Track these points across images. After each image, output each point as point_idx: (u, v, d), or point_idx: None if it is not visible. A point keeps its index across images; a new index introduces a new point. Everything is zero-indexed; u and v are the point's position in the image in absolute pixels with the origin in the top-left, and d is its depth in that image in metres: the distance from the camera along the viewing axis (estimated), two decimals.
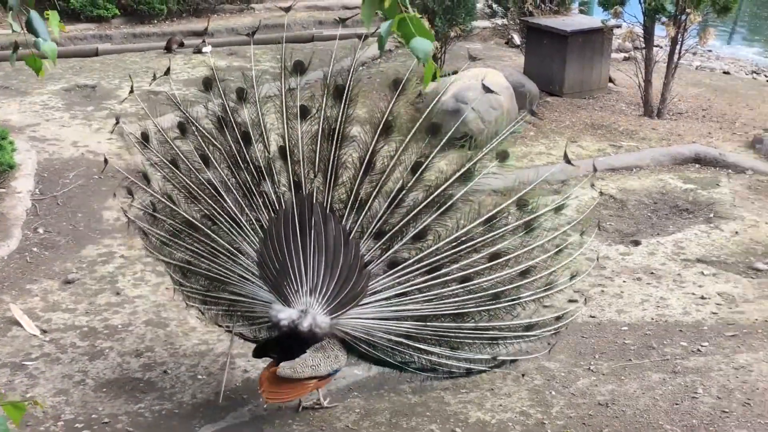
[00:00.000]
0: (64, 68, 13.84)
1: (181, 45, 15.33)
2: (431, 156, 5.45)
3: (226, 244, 5.81)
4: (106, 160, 6.83)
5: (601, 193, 6.07)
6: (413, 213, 5.48)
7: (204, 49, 15.07)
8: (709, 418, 6.02)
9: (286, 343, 5.63)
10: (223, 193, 5.81)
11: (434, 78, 2.96)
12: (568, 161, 5.98)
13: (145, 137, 6.18)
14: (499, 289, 5.69)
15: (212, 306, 6.23)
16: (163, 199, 6.06)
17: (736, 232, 8.86)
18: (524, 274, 5.76)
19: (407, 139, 5.46)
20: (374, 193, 5.49)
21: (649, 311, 7.40)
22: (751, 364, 6.64)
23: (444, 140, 5.45)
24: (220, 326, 6.59)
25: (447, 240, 5.53)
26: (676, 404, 6.17)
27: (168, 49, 15.16)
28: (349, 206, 5.51)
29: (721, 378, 6.47)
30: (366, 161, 5.46)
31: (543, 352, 6.43)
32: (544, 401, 6.17)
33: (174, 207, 6.03)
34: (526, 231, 5.69)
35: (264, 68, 12.61)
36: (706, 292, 7.72)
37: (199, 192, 5.88)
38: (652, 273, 8.02)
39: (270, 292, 5.64)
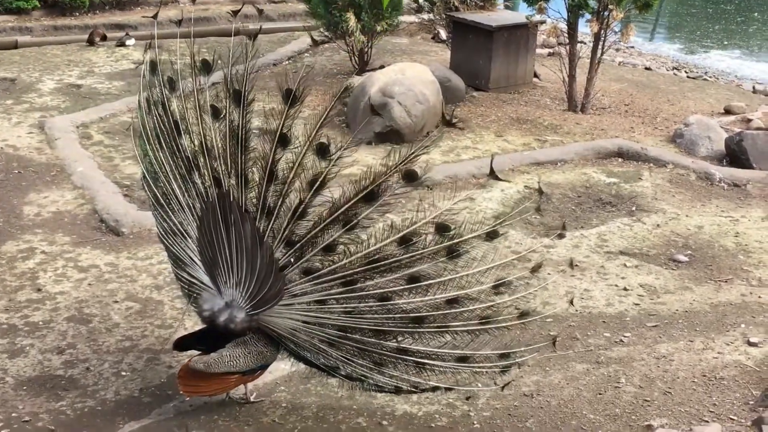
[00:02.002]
0: None
1: (104, 38, 15.10)
2: (324, 174, 5.22)
3: (178, 224, 5.84)
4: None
5: (538, 209, 5.75)
6: (319, 227, 5.32)
7: (128, 42, 14.87)
8: (631, 407, 6.12)
9: (209, 335, 5.62)
10: (170, 175, 5.81)
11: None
12: (495, 177, 5.55)
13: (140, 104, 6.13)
14: (421, 314, 5.42)
15: (181, 283, 6.15)
16: (146, 170, 6.10)
17: (658, 225, 9.02)
18: (451, 302, 5.41)
19: (300, 156, 5.26)
20: (279, 203, 5.38)
21: (573, 303, 7.48)
22: (672, 354, 6.77)
23: (334, 160, 5.19)
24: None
25: (358, 255, 5.34)
26: (600, 394, 6.26)
27: (91, 42, 14.91)
28: (259, 210, 5.42)
29: (643, 368, 6.58)
30: (268, 170, 5.33)
31: (491, 387, 6.07)
32: (470, 393, 6.20)
33: (147, 180, 6.07)
34: (449, 257, 5.28)
35: (189, 62, 12.36)
36: (629, 284, 7.84)
37: (159, 170, 5.90)
38: (576, 265, 8.12)
39: (209, 279, 5.70)
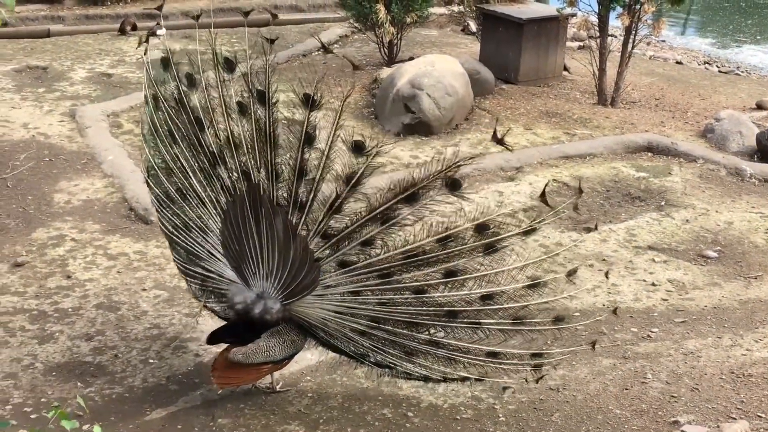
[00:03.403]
0: (14, 49, 13.63)
1: (135, 27, 15.15)
2: (361, 171, 5.28)
3: (196, 219, 5.86)
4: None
5: (576, 208, 5.87)
6: (357, 223, 5.38)
7: (158, 32, 14.89)
8: (658, 402, 6.09)
9: (240, 327, 5.64)
10: (188, 170, 5.83)
11: None
12: (501, 144, 5.52)
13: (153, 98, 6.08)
14: (455, 308, 5.49)
15: (191, 279, 6.18)
16: (155, 166, 6.07)
17: (687, 220, 8.96)
18: (486, 299, 5.48)
19: (326, 153, 5.35)
20: (311, 198, 5.44)
21: (600, 297, 7.46)
22: (699, 350, 6.73)
23: (371, 158, 5.26)
24: (198, 300, 6.42)
25: (397, 251, 5.41)
26: (626, 389, 6.24)
27: (122, 31, 14.97)
28: (291, 204, 5.47)
29: (670, 363, 6.55)
30: (297, 168, 5.39)
31: (521, 379, 6.00)
32: (496, 386, 6.19)
33: (159, 175, 6.06)
34: (485, 252, 5.39)
35: (217, 52, 12.39)
36: (657, 279, 7.80)
37: (173, 165, 5.91)
38: (604, 260, 8.09)
39: (233, 272, 5.72)
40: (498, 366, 5.71)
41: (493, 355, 5.64)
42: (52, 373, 6.25)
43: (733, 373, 6.46)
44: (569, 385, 6.27)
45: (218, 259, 5.82)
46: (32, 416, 5.77)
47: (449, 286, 5.46)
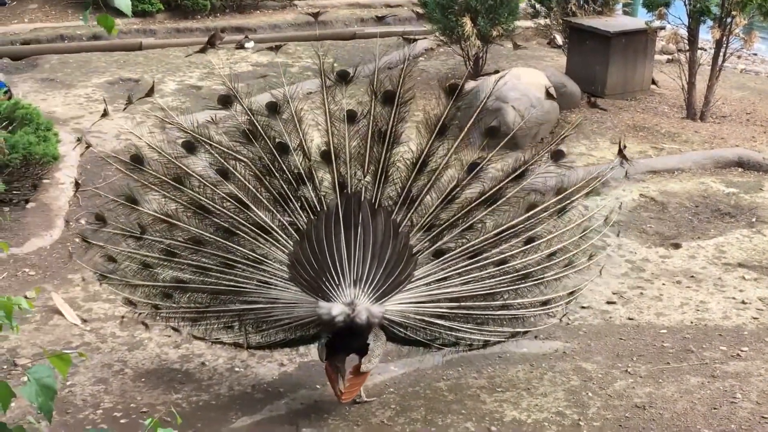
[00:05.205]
0: (108, 62, 13.98)
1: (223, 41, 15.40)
2: (489, 158, 5.64)
3: (247, 252, 5.76)
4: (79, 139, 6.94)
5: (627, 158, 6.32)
6: (466, 209, 5.66)
7: (246, 45, 15.14)
8: (747, 423, 5.97)
9: (342, 338, 5.60)
10: (248, 202, 5.75)
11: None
12: (623, 157, 6.27)
13: (137, 159, 6.07)
14: (528, 270, 5.88)
15: (209, 321, 6.13)
16: (163, 218, 5.89)
17: None
18: (551, 255, 5.97)
19: (458, 140, 5.62)
20: (426, 190, 5.63)
21: (688, 315, 7.34)
22: None
23: (503, 142, 5.70)
24: (200, 339, 6.47)
25: (494, 231, 5.74)
26: (715, 408, 6.12)
27: (211, 44, 15.24)
28: (399, 202, 5.64)
29: (760, 383, 6.41)
30: (420, 161, 5.58)
31: (557, 319, 6.65)
32: (581, 402, 6.14)
33: (177, 225, 5.87)
34: (559, 215, 5.95)
35: (305, 65, 12.70)
36: (747, 297, 7.64)
37: (215, 206, 5.79)
38: (692, 276, 7.96)
39: (304, 293, 5.63)
40: (548, 312, 6.23)
41: (546, 303, 6.10)
42: (141, 379, 6.38)
43: None
44: (656, 403, 6.18)
45: (274, 285, 5.70)
46: (122, 421, 5.91)
47: (527, 252, 5.88)
